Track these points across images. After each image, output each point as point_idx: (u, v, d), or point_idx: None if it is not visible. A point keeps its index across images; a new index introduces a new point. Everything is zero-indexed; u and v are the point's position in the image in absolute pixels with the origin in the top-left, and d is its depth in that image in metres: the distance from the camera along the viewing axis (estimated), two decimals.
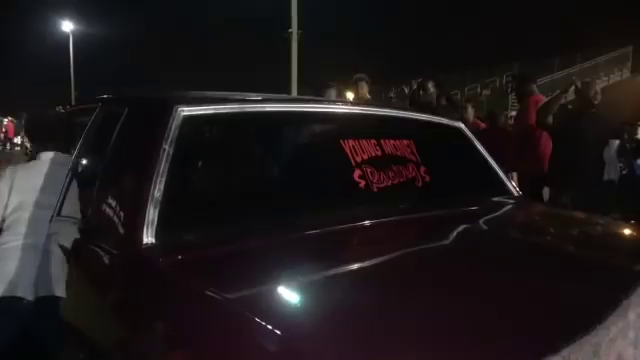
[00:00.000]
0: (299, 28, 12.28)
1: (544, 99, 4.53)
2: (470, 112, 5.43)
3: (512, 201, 2.26)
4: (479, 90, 25.65)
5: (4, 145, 21.12)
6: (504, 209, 2.23)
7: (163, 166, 1.50)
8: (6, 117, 23.33)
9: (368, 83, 4.85)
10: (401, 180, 1.95)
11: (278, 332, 0.98)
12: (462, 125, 2.42)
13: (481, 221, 1.98)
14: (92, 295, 1.57)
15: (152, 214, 1.43)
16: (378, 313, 1.08)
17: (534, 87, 4.64)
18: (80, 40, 27.69)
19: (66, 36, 27.29)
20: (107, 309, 1.46)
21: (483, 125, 5.43)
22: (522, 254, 1.52)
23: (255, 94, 2.05)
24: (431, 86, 4.27)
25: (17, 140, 22.72)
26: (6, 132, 22.06)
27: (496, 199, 2.24)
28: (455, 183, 2.18)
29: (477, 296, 1.18)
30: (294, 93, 11.60)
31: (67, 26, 27.41)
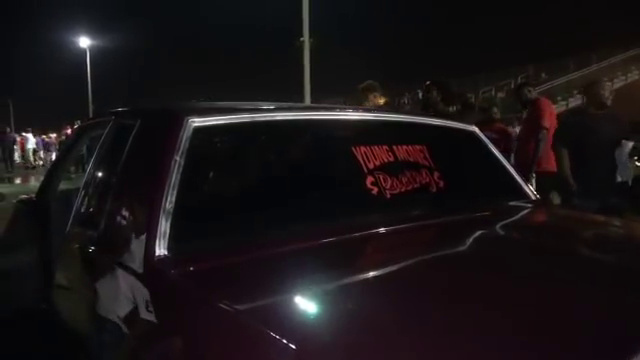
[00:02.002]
0: (311, 36, 12.34)
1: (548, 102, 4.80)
2: (496, 114, 5.45)
3: (530, 205, 2.21)
4: (493, 92, 25.43)
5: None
6: (522, 213, 2.19)
7: (175, 177, 1.50)
8: (28, 132, 23.89)
9: (379, 90, 4.78)
10: (414, 186, 1.92)
11: (292, 346, 0.96)
12: (476, 129, 2.39)
13: (498, 226, 1.94)
14: (105, 307, 1.57)
15: (164, 226, 1.42)
16: (396, 326, 1.05)
17: (534, 91, 4.93)
18: (97, 55, 28.27)
19: (83, 51, 27.87)
20: (120, 321, 1.46)
21: (509, 130, 5.50)
22: (545, 259, 1.48)
23: (266, 103, 2.05)
24: (434, 89, 4.23)
25: (41, 155, 23.32)
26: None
27: (513, 203, 2.20)
28: (470, 188, 2.15)
29: (500, 305, 1.14)
30: (307, 100, 11.64)
31: (84, 42, 27.99)
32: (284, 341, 0.97)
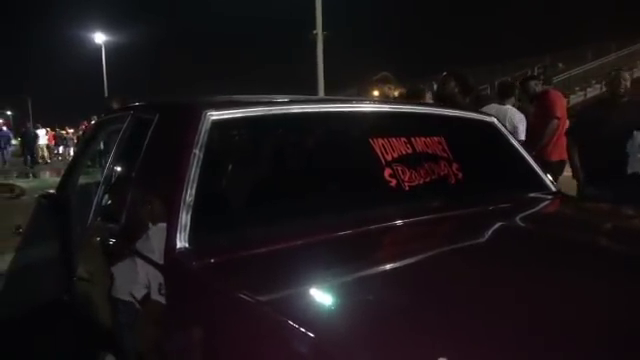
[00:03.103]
0: (324, 29, 12.28)
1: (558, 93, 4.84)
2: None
3: (550, 197, 2.18)
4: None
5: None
6: (542, 205, 2.16)
7: (194, 171, 1.51)
8: (46, 128, 24.27)
9: (393, 82, 4.73)
10: (433, 178, 1.91)
11: (311, 335, 0.97)
12: (495, 120, 2.36)
13: (518, 218, 1.92)
14: (126, 298, 1.59)
15: (184, 218, 1.44)
16: (413, 318, 1.05)
17: (540, 84, 4.98)
18: (113, 50, 28.52)
19: (99, 48, 28.15)
20: (141, 312, 1.48)
21: None
22: (566, 253, 1.46)
23: (283, 96, 2.05)
24: (451, 80, 4.18)
25: (60, 150, 23.65)
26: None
27: (533, 195, 2.17)
28: (489, 179, 2.13)
29: (518, 300, 1.12)
30: (321, 93, 11.61)
31: (99, 38, 28.26)
32: (303, 330, 0.98)
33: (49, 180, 12.51)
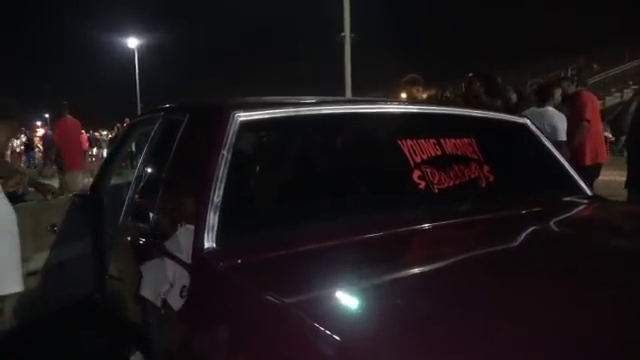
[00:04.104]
0: (353, 31, 12.26)
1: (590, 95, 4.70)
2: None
3: (586, 201, 2.11)
4: None
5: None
6: (577, 209, 2.09)
7: (222, 171, 1.52)
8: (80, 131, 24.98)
9: (422, 84, 4.67)
10: (463, 180, 1.87)
11: (337, 338, 0.96)
12: (527, 121, 2.29)
13: (550, 223, 1.85)
14: (155, 297, 1.61)
15: (212, 219, 1.45)
16: (440, 323, 1.03)
17: (572, 85, 4.90)
18: (145, 54, 29.18)
19: (132, 52, 28.84)
20: (169, 311, 1.50)
21: None
22: (601, 260, 1.40)
23: (310, 97, 2.04)
24: (477, 81, 4.10)
25: (94, 151, 24.30)
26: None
27: (568, 199, 2.10)
28: (521, 182, 2.07)
29: (549, 307, 1.09)
30: (348, 95, 11.58)
31: (132, 42, 28.97)
32: (329, 333, 0.97)
33: (84, 181, 12.84)
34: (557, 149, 2.18)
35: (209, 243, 1.42)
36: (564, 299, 1.12)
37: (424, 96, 4.81)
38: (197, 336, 1.37)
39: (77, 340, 2.70)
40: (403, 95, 5.04)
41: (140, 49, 28.86)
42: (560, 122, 4.16)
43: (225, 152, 1.55)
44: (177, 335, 1.48)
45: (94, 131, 27.22)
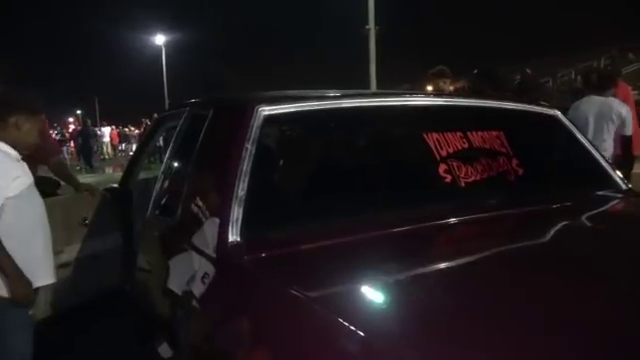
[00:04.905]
0: (376, 24, 12.16)
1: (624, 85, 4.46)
2: None
3: (620, 195, 2.03)
4: (573, 75, 23.68)
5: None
6: (610, 204, 2.02)
7: (246, 165, 1.52)
8: (111, 126, 25.56)
9: (450, 76, 4.56)
10: (491, 174, 1.83)
11: (360, 333, 0.96)
12: (558, 113, 2.22)
13: (582, 218, 1.80)
14: (181, 289, 1.63)
15: (236, 213, 1.45)
16: (465, 320, 1.01)
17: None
18: (172, 51, 29.56)
19: (160, 48, 29.28)
20: (194, 303, 1.52)
21: None
22: (634, 257, 1.35)
23: (334, 90, 2.03)
24: (480, 78, 3.97)
25: (123, 146, 24.84)
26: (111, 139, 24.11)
27: (601, 193, 2.03)
28: (552, 176, 2.01)
29: (576, 309, 1.05)
30: (373, 89, 11.50)
31: (159, 40, 29.41)
32: (352, 328, 0.97)
33: (114, 175, 13.14)
34: (625, 143, 2.02)
35: (234, 237, 1.43)
36: (594, 301, 1.08)
37: (451, 88, 4.72)
38: (221, 328, 1.38)
39: (107, 331, 2.77)
40: (429, 88, 4.96)
41: (168, 44, 29.27)
42: (628, 115, 3.83)
43: (249, 146, 1.55)
44: (201, 327, 1.50)
45: (123, 127, 27.79)
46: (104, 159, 21.58)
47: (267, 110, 1.65)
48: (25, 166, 2.06)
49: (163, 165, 2.28)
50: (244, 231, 1.44)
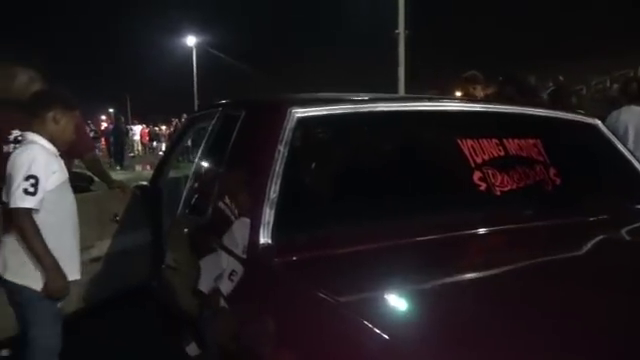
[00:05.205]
0: (406, 28, 12.09)
1: None
2: None
3: None
4: (608, 84, 22.99)
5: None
6: None
7: (278, 167, 1.52)
8: (142, 125, 26.13)
9: (482, 82, 4.47)
10: (527, 183, 1.78)
11: (388, 339, 0.96)
12: (598, 122, 2.15)
13: (620, 232, 1.73)
14: (209, 288, 1.64)
15: (268, 215, 1.45)
16: (490, 330, 0.99)
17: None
18: (203, 52, 29.99)
19: (190, 49, 29.77)
20: (222, 302, 1.52)
21: None
22: None
23: (368, 94, 2.01)
24: (507, 85, 3.87)
25: (154, 145, 25.35)
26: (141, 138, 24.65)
27: None
28: (590, 187, 1.94)
29: (609, 326, 1.01)
30: (401, 93, 11.42)
31: (190, 41, 29.91)
32: (380, 333, 0.97)
33: (143, 172, 13.39)
34: None
35: (264, 239, 1.43)
36: (629, 321, 1.03)
37: (482, 94, 4.63)
38: (248, 329, 1.38)
39: (132, 326, 2.81)
40: (458, 93, 4.87)
41: (200, 46, 29.72)
42: None
43: (282, 148, 1.55)
44: (228, 326, 1.50)
45: (154, 126, 28.35)
46: (134, 157, 22.02)
47: (300, 112, 1.64)
48: (62, 162, 2.11)
49: (194, 165, 2.30)
50: (275, 233, 1.43)
